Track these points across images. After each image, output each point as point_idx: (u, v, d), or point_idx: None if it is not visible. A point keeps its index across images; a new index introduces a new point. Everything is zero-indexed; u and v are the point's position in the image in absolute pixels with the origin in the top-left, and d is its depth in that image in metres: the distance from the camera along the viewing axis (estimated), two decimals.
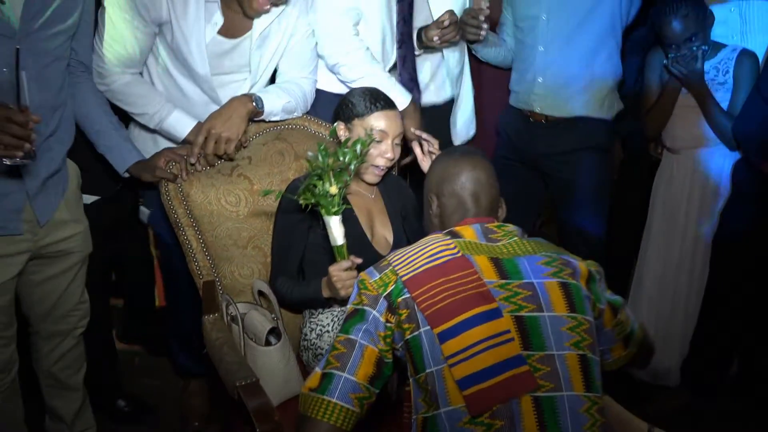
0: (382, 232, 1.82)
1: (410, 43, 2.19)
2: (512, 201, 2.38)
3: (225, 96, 1.90)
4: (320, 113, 2.06)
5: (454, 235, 1.35)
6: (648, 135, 2.49)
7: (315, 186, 1.53)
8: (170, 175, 1.77)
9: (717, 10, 2.28)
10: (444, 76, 2.31)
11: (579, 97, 2.33)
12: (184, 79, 1.92)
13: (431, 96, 2.30)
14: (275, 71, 2.05)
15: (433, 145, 1.90)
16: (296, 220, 1.72)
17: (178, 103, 1.89)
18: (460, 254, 1.28)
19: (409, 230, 1.86)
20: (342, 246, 1.59)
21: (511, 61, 2.49)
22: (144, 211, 2.16)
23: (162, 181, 1.78)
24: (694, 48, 2.20)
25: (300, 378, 1.69)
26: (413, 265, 1.29)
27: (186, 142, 1.86)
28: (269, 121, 1.96)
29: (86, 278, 1.90)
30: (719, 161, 2.34)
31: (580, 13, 2.28)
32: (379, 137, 1.74)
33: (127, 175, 1.84)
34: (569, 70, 2.31)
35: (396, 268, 1.30)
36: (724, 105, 2.26)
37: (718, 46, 2.29)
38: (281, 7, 1.90)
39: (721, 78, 2.26)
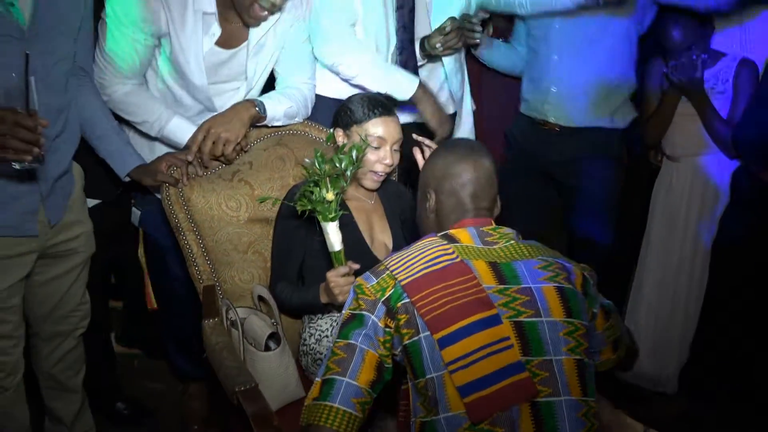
0: (381, 238, 1.83)
1: (411, 49, 2.18)
2: (526, 211, 2.41)
3: (220, 104, 1.93)
4: (319, 119, 2.07)
5: (451, 239, 1.34)
6: (648, 142, 2.50)
7: (312, 192, 1.54)
8: (171, 179, 1.78)
9: (717, 19, 2.28)
10: (447, 95, 2.30)
11: (593, 107, 2.31)
12: (181, 89, 1.93)
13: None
14: (271, 77, 2.06)
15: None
16: (296, 225, 1.72)
17: (174, 111, 1.91)
18: (458, 259, 1.28)
19: (408, 236, 1.87)
20: (339, 252, 1.59)
21: (521, 69, 2.47)
22: (135, 213, 2.16)
23: (163, 185, 1.78)
24: (694, 56, 2.20)
25: (299, 383, 1.70)
26: (411, 270, 1.28)
27: (187, 148, 1.87)
28: (271, 127, 1.97)
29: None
30: (718, 169, 2.35)
31: (594, 22, 2.24)
32: (377, 144, 1.75)
33: (128, 179, 1.85)
34: (584, 80, 2.29)
35: (394, 273, 1.29)
36: (724, 114, 2.26)
37: (718, 55, 2.30)
38: (277, 15, 1.91)
39: (720, 87, 2.26)
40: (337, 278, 1.57)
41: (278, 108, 1.92)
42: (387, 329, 1.26)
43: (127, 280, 2.73)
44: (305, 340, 1.75)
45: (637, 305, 2.54)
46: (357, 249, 1.72)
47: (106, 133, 1.84)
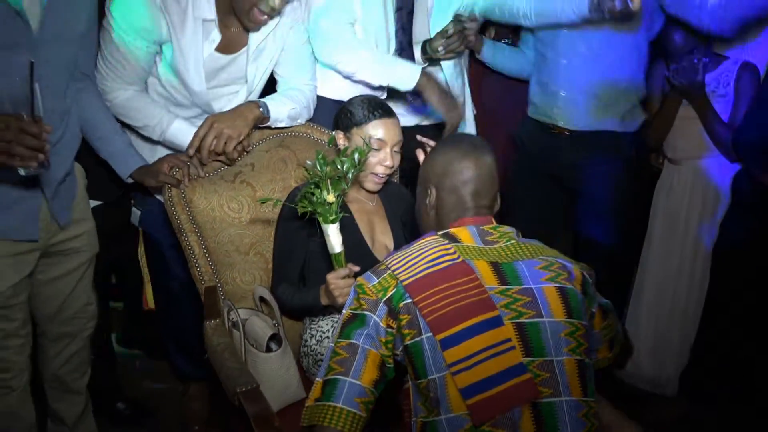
0: (382, 240, 1.83)
1: (410, 50, 2.19)
2: (536, 215, 2.41)
3: (219, 107, 1.94)
4: (320, 120, 2.07)
5: (452, 238, 1.34)
6: (649, 145, 2.50)
7: (312, 194, 1.54)
8: (173, 180, 1.78)
9: None
10: None
11: (603, 111, 2.29)
12: (179, 93, 1.95)
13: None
14: (271, 79, 2.07)
15: None
16: (297, 227, 1.73)
17: (176, 114, 1.92)
18: (460, 259, 1.28)
19: (410, 237, 1.87)
20: (340, 254, 1.59)
21: (529, 72, 2.46)
22: (135, 213, 2.17)
23: (165, 186, 1.79)
24: (696, 60, 2.21)
25: (300, 384, 1.70)
26: (413, 270, 1.28)
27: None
28: (273, 128, 1.97)
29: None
30: (719, 172, 2.35)
31: (603, 29, 2.21)
32: (378, 146, 1.75)
33: (130, 180, 1.86)
34: (593, 84, 2.27)
35: (395, 273, 1.28)
36: (725, 117, 2.26)
37: (720, 59, 2.30)
38: (277, 19, 1.92)
39: (722, 90, 2.26)
40: (337, 280, 1.57)
41: (282, 109, 1.93)
42: (389, 329, 1.26)
43: (127, 281, 2.73)
44: (306, 341, 1.75)
45: (637, 307, 2.55)
46: (358, 251, 1.72)
47: (107, 135, 1.84)
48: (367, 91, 2.11)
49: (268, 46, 1.96)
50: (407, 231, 1.88)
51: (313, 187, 1.54)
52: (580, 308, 1.28)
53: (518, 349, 1.20)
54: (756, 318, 2.29)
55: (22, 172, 1.41)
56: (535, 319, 1.23)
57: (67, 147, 1.73)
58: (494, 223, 1.39)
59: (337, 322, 1.69)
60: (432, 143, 1.83)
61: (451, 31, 2.09)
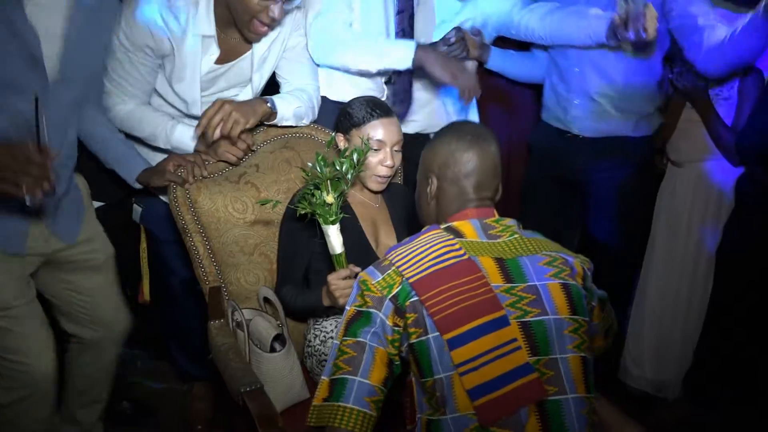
0: (386, 242, 1.83)
1: None
2: (551, 219, 2.40)
3: None
4: (322, 121, 2.08)
5: (455, 232, 1.32)
6: (653, 147, 2.50)
7: (312, 195, 1.54)
8: (179, 179, 1.79)
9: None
10: (441, 106, 2.29)
11: (618, 119, 2.27)
12: (172, 108, 1.97)
13: (442, 118, 2.28)
14: (271, 80, 2.08)
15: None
16: (300, 228, 1.73)
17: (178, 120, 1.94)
18: (466, 256, 1.27)
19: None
20: (340, 255, 1.60)
21: (540, 76, 2.44)
22: (137, 210, 2.18)
23: (170, 187, 1.79)
24: None
25: (304, 384, 1.71)
26: (419, 267, 1.26)
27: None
28: (277, 129, 1.98)
29: None
30: (723, 174, 2.34)
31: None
32: (377, 146, 1.75)
33: (138, 186, 1.87)
34: (607, 92, 2.25)
35: (400, 269, 1.27)
36: (728, 120, 2.26)
37: None
38: (278, 30, 1.94)
39: (725, 93, 2.26)
40: (338, 281, 1.57)
41: (288, 107, 1.94)
42: (396, 328, 1.24)
43: (130, 281, 2.74)
44: (310, 341, 1.76)
45: (640, 309, 2.54)
46: (362, 253, 1.73)
47: (111, 144, 1.87)
48: (370, 88, 2.12)
49: (271, 53, 1.98)
50: (412, 232, 1.88)
51: (312, 188, 1.55)
52: (583, 304, 1.28)
53: (524, 349, 1.20)
54: (759, 321, 2.29)
55: (28, 201, 1.41)
56: (540, 317, 1.23)
57: (65, 167, 1.74)
58: (496, 216, 1.37)
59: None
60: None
61: (453, 39, 2.09)
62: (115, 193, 2.11)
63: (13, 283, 1.68)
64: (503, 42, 2.44)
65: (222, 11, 1.84)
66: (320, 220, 1.57)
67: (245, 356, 1.66)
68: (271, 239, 1.88)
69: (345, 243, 1.63)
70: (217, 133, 1.75)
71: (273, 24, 1.85)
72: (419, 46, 1.98)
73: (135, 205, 2.16)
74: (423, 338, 1.22)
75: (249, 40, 1.91)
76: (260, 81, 2.01)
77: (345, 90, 2.10)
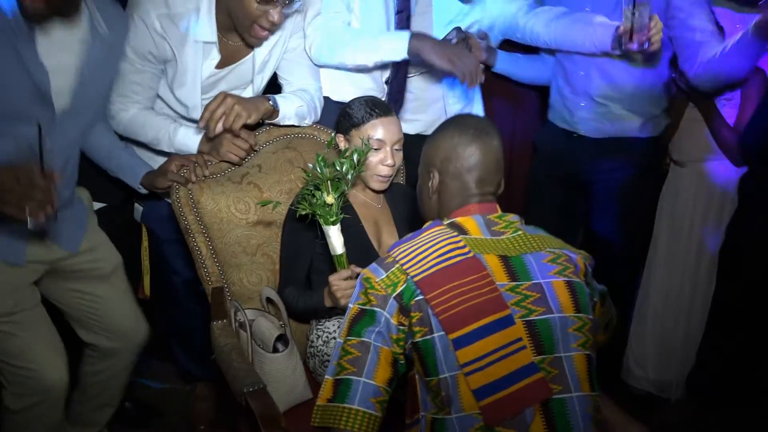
0: (388, 242, 1.82)
1: None
2: (555, 218, 2.39)
3: None
4: (323, 121, 2.08)
5: (459, 229, 1.31)
6: (660, 148, 2.49)
7: (312, 195, 1.54)
8: (182, 179, 1.79)
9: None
10: (442, 108, 2.27)
11: (624, 121, 2.26)
12: (173, 112, 1.98)
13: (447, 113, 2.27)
14: (272, 81, 2.09)
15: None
16: (302, 229, 1.73)
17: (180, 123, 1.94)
18: (471, 254, 1.25)
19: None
20: (341, 255, 1.60)
21: (547, 79, 2.43)
22: (138, 209, 2.18)
23: (173, 188, 1.80)
24: None
25: (306, 385, 1.71)
26: (424, 265, 1.25)
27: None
28: (280, 129, 1.99)
29: None
30: (725, 174, 2.34)
31: None
32: (377, 146, 1.75)
33: (143, 190, 1.88)
34: (613, 95, 2.24)
35: (404, 267, 1.25)
36: (731, 121, 2.26)
37: None
38: (278, 34, 1.94)
39: (728, 94, 2.26)
40: (340, 281, 1.57)
41: (290, 106, 1.94)
42: (401, 327, 1.23)
43: (131, 280, 2.74)
44: (313, 341, 1.76)
45: (643, 309, 2.54)
46: (364, 253, 1.72)
47: (113, 152, 1.88)
48: (371, 87, 2.12)
49: (272, 56, 1.99)
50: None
51: (312, 189, 1.55)
52: (587, 302, 1.27)
53: (529, 348, 1.19)
54: (762, 321, 2.29)
55: (30, 225, 1.40)
56: (545, 316, 1.22)
57: (67, 180, 1.74)
58: (499, 211, 1.36)
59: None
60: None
61: (455, 40, 2.08)
62: (117, 195, 2.12)
63: (15, 290, 1.69)
64: (510, 45, 2.44)
65: (222, 17, 1.85)
66: (321, 221, 1.57)
67: (248, 357, 1.66)
68: (273, 240, 1.88)
69: (347, 243, 1.63)
70: (219, 127, 1.74)
71: (273, 28, 1.85)
72: (414, 35, 1.96)
73: (136, 204, 2.17)
74: (428, 337, 1.21)
75: (250, 44, 1.92)
76: (261, 82, 2.02)
77: (346, 90, 2.11)
